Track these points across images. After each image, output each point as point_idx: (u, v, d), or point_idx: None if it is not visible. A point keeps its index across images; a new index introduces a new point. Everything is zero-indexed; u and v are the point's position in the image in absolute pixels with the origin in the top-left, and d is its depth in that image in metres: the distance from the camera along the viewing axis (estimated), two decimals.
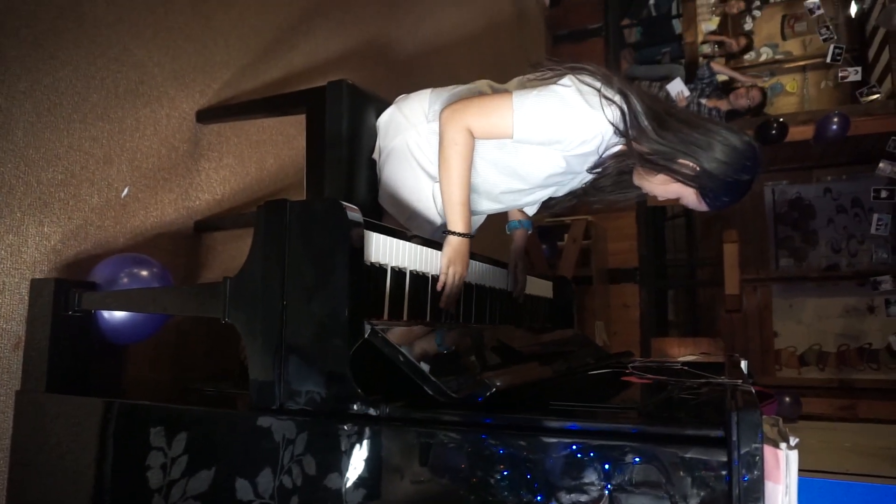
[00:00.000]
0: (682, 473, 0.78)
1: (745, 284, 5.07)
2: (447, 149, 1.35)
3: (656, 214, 5.59)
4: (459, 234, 1.34)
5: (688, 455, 0.78)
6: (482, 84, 1.52)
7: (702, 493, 0.77)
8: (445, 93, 1.52)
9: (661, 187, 1.36)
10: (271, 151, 2.00)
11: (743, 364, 1.40)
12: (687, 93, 4.16)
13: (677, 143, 1.30)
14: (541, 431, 0.87)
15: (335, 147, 1.48)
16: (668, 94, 4.17)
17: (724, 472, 0.75)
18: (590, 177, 1.49)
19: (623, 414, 1.03)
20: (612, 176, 1.49)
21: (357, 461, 0.92)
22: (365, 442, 0.92)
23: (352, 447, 0.93)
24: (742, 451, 0.73)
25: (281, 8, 2.09)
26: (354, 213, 1.01)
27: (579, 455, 0.84)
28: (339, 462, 0.93)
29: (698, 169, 1.29)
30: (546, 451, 0.85)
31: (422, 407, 0.94)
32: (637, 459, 0.81)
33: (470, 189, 1.39)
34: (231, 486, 0.99)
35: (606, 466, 0.82)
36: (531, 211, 1.67)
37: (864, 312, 5.38)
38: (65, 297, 1.32)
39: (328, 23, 2.33)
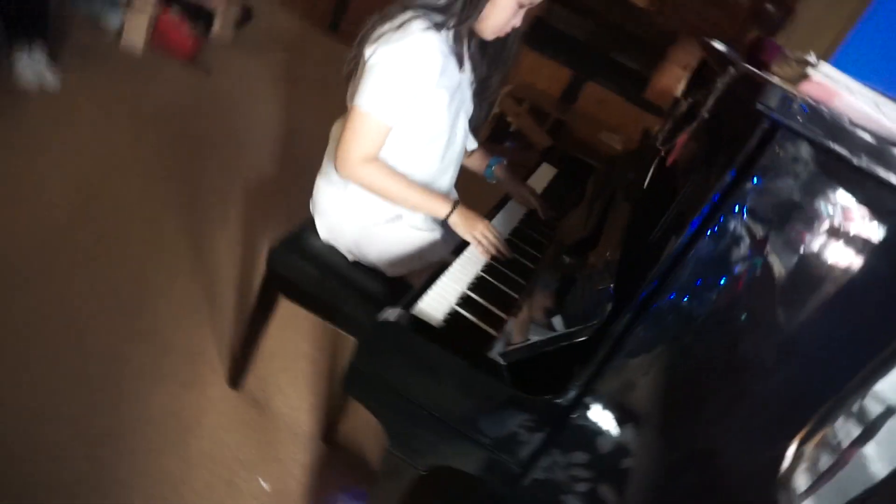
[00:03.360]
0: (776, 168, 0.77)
1: None
2: (373, 185, 1.41)
3: (541, 29, 5.49)
4: (450, 209, 1.42)
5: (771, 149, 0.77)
6: (336, 127, 1.53)
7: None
8: (328, 169, 1.54)
9: (499, 12, 1.34)
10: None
11: (719, 45, 1.38)
12: None
13: None
14: (681, 254, 0.86)
15: (322, 285, 1.51)
16: None
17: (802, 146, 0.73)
18: (471, 77, 1.50)
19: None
20: (480, 59, 1.49)
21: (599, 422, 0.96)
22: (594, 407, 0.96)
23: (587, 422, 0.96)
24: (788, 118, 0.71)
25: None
26: (393, 312, 1.04)
27: (717, 232, 0.83)
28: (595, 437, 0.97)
29: None
30: (694, 251, 0.84)
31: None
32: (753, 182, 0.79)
33: (417, 183, 1.44)
34: None
35: (736, 210, 0.80)
36: (471, 144, 1.68)
37: None
38: None
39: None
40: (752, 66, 1.03)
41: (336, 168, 1.41)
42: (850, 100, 0.73)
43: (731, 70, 0.86)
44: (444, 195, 1.49)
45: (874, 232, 0.77)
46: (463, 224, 1.43)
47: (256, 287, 1.62)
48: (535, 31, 5.44)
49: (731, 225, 0.82)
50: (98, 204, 2.24)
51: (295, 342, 2.04)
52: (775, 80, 0.80)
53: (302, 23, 5.36)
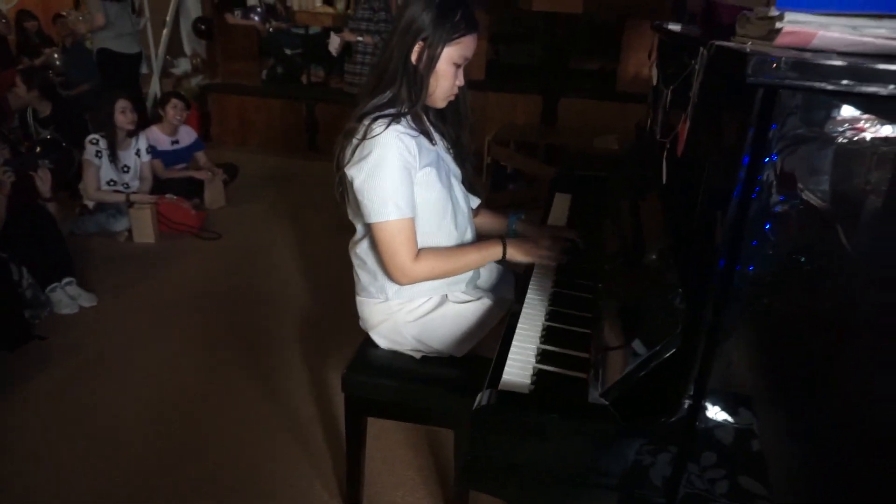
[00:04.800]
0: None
1: None
2: (435, 273, 1.45)
3: (497, 70, 5.66)
4: (504, 247, 1.50)
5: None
6: (352, 245, 1.58)
7: None
8: (362, 286, 1.58)
9: (442, 81, 1.40)
10: None
11: (673, 26, 1.41)
12: (359, 38, 4.23)
13: (396, 56, 1.36)
14: (736, 223, 0.87)
15: (403, 392, 1.52)
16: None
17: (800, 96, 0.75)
18: (444, 144, 1.55)
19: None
20: (444, 125, 1.55)
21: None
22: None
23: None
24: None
25: None
26: (483, 395, 1.04)
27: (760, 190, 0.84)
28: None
29: (423, 38, 1.34)
30: (749, 215, 0.84)
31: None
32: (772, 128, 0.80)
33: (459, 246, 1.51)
34: None
35: (767, 161, 0.81)
36: (473, 202, 1.70)
37: None
38: None
39: None
40: (714, 32, 1.05)
41: (397, 282, 1.46)
42: (828, 34, 0.74)
43: (704, 51, 0.88)
44: (488, 242, 1.53)
45: (891, 134, 0.77)
46: (520, 252, 1.52)
47: (340, 414, 1.63)
48: (492, 74, 5.63)
49: (768, 178, 0.82)
50: (171, 400, 2.30)
51: (394, 454, 2.03)
52: (749, 44, 0.82)
53: (283, 157, 5.61)
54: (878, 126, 0.76)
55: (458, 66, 1.41)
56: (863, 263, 0.85)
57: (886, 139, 0.77)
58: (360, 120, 1.39)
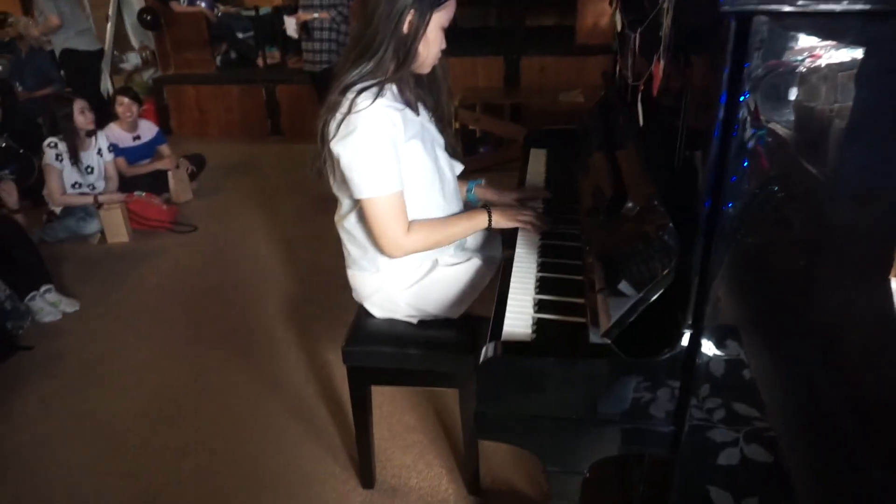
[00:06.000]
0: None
1: None
2: (426, 245, 1.48)
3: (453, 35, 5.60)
4: (489, 216, 1.53)
5: None
6: (338, 217, 1.59)
7: None
8: (353, 259, 1.59)
9: (432, 46, 1.41)
10: None
11: None
12: (315, 14, 4.10)
13: (382, 29, 1.34)
14: (719, 162, 0.90)
15: (404, 357, 1.55)
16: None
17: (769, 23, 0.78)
18: (427, 113, 1.55)
19: None
20: (423, 92, 1.54)
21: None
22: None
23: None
24: None
25: None
26: (488, 348, 1.07)
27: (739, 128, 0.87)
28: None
29: (413, 7, 1.33)
30: (731, 153, 0.88)
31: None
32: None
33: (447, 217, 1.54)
34: None
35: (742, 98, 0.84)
36: (458, 168, 1.71)
37: None
38: None
39: None
40: None
41: (389, 256, 1.47)
42: None
43: None
44: (473, 213, 1.55)
45: (848, 56, 0.81)
46: (504, 218, 1.55)
47: (340, 390, 1.65)
48: (451, 40, 5.57)
49: (745, 116, 0.85)
50: (167, 398, 2.30)
51: (399, 420, 2.07)
52: None
53: (247, 143, 5.52)
54: (839, 50, 0.79)
55: (443, 28, 1.42)
56: (833, 185, 0.89)
57: (852, 61, 0.80)
58: (343, 93, 1.37)
